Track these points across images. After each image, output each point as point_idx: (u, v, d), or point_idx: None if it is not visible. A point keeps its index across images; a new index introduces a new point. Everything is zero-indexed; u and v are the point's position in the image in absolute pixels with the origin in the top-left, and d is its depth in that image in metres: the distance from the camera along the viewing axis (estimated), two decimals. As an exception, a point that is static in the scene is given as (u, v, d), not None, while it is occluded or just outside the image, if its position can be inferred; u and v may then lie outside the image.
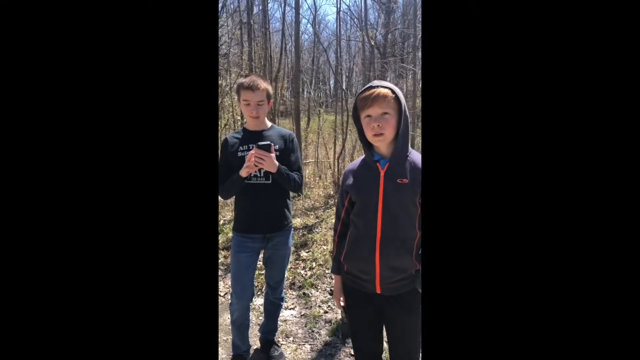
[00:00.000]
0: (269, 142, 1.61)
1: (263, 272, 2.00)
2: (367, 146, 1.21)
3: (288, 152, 1.77)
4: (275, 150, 1.72)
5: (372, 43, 6.15)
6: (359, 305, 1.28)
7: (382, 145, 1.16)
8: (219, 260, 3.32)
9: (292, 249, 3.55)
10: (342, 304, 1.34)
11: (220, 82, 7.51)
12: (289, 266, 3.23)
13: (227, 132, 7.38)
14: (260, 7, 8.85)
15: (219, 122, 7.21)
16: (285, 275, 2.01)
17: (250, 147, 1.69)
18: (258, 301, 2.63)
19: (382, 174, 1.16)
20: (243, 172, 1.62)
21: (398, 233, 1.15)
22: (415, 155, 1.18)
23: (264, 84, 1.71)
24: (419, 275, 1.18)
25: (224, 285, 2.90)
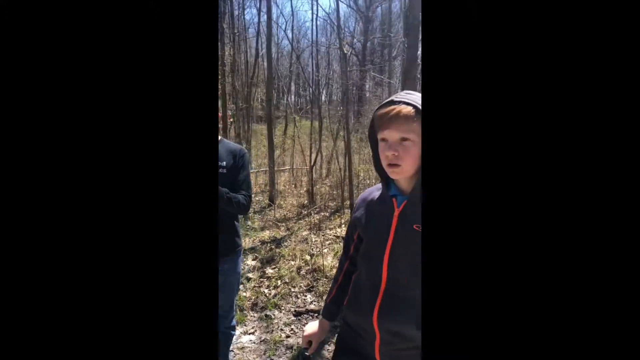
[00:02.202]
0: None
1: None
2: (383, 176, 0.93)
3: (237, 170, 1.61)
4: (222, 167, 1.56)
5: (349, 51, 6.05)
6: None
7: (400, 178, 0.89)
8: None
9: (258, 265, 3.37)
10: (306, 346, 1.10)
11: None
12: (252, 284, 3.07)
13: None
14: (237, 13, 8.68)
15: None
16: (236, 303, 1.84)
17: None
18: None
19: (396, 213, 0.90)
20: None
21: (402, 292, 0.88)
22: None
23: None
24: None
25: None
